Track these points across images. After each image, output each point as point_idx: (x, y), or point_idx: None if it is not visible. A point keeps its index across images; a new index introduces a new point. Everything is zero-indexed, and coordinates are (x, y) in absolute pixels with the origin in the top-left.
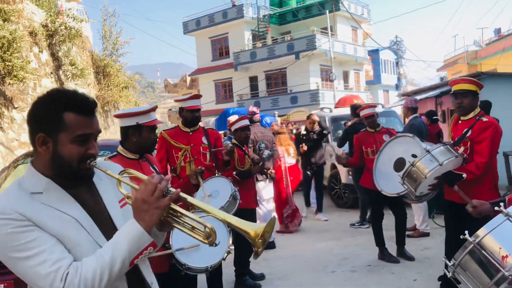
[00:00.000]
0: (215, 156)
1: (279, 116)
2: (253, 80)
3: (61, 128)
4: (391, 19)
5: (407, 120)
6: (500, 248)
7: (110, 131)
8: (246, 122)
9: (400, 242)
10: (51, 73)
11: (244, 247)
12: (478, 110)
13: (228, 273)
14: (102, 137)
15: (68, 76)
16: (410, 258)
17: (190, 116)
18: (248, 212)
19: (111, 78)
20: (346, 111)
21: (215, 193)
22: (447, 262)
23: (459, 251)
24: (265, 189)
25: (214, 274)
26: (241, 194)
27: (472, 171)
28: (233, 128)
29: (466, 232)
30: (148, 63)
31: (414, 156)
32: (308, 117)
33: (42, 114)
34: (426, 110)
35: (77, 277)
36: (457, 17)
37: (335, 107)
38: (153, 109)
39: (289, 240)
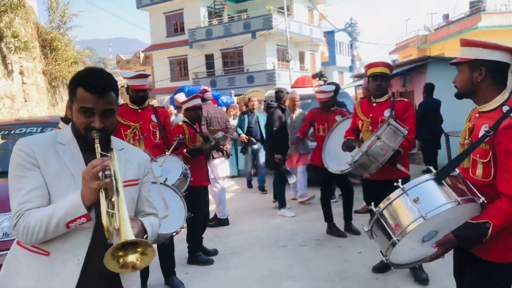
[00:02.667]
0: (165, 134)
1: (235, 95)
2: (209, 58)
3: (75, 99)
4: (347, 1)
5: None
6: (394, 218)
7: (58, 108)
8: (198, 101)
9: (348, 218)
10: None
11: (196, 223)
12: (390, 93)
13: (182, 249)
14: (50, 114)
15: (11, 49)
16: (356, 232)
17: (134, 95)
18: (199, 189)
19: (59, 53)
20: (302, 91)
21: (166, 171)
22: (364, 228)
23: (369, 219)
24: (220, 167)
25: (167, 250)
26: (193, 172)
27: (406, 147)
28: (184, 107)
29: (372, 203)
30: (99, 37)
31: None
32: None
33: (69, 85)
34: None
35: (24, 221)
36: (410, 1)
37: (292, 87)
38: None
39: (243, 217)
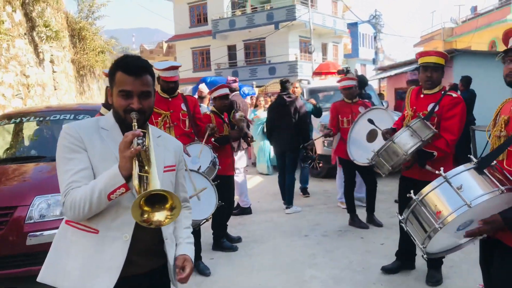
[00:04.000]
0: (194, 122)
1: (257, 86)
2: (232, 49)
3: (114, 83)
4: None
5: None
6: (436, 206)
7: (85, 96)
8: (226, 90)
9: (370, 209)
10: (25, 34)
11: (221, 211)
12: (442, 85)
13: (206, 237)
14: (78, 102)
15: (43, 38)
16: (379, 224)
17: (165, 86)
18: (225, 178)
19: (87, 42)
20: (324, 83)
21: (195, 159)
22: (399, 216)
23: (406, 207)
24: (240, 160)
25: (194, 236)
26: (219, 161)
27: (442, 149)
28: (212, 96)
29: (412, 191)
30: (122, 27)
31: (370, 121)
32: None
33: (109, 71)
34: (401, 85)
35: (71, 197)
36: None
37: (313, 75)
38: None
39: (264, 207)
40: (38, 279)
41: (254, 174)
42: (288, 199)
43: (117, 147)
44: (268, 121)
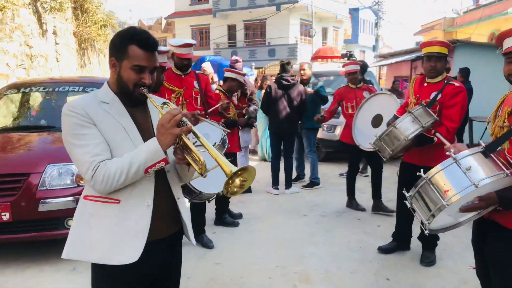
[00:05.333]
0: (206, 100)
1: (256, 68)
2: (232, 29)
3: (126, 57)
4: None
5: None
6: (444, 184)
7: (86, 69)
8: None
9: (377, 195)
10: (29, 4)
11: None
12: (445, 74)
13: (209, 212)
14: (79, 75)
15: (46, 9)
16: (391, 211)
17: (179, 62)
18: (231, 155)
19: (90, 15)
20: (325, 67)
21: (205, 136)
22: (406, 193)
23: (414, 185)
24: (242, 137)
25: (199, 210)
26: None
27: (443, 136)
28: (226, 75)
29: (422, 170)
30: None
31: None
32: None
33: (117, 43)
34: (401, 73)
35: (103, 170)
36: None
37: (312, 59)
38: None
39: (264, 187)
40: (63, 256)
41: (254, 156)
42: (287, 180)
43: (122, 118)
44: (265, 102)
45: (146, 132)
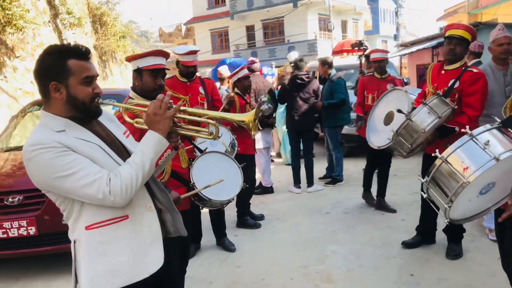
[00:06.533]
0: (213, 106)
1: (276, 67)
2: (250, 30)
3: (69, 74)
4: None
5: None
6: (462, 162)
7: (108, 81)
8: (246, 71)
9: (381, 193)
10: (49, 21)
11: (244, 188)
12: (464, 60)
13: (230, 215)
14: (101, 87)
15: (66, 25)
16: (392, 210)
17: (184, 70)
18: (247, 158)
19: (108, 27)
20: (344, 61)
21: (214, 142)
22: (421, 179)
23: (431, 168)
24: (259, 139)
25: (218, 214)
26: (240, 141)
27: (465, 125)
28: (235, 77)
29: (437, 150)
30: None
31: (399, 111)
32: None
33: (49, 65)
34: (423, 62)
35: (118, 180)
36: None
37: (333, 54)
38: (154, 52)
39: (286, 186)
40: None
41: (275, 157)
42: (308, 179)
43: (88, 137)
44: (281, 94)
45: (112, 143)
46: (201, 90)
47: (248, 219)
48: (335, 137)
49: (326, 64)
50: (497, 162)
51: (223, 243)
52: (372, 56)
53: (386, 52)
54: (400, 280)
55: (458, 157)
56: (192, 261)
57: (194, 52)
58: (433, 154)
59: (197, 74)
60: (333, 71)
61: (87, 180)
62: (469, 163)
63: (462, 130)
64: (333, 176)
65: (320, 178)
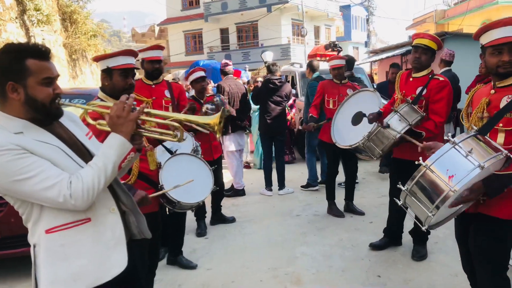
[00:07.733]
0: (178, 110)
1: (249, 70)
2: (224, 32)
3: (27, 74)
4: None
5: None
6: (448, 170)
7: (78, 80)
8: (201, 73)
9: (349, 197)
10: (16, 18)
11: (216, 193)
12: (430, 68)
13: (191, 219)
14: (71, 86)
15: (34, 22)
16: (360, 213)
17: (150, 67)
18: (213, 163)
19: (79, 26)
20: (322, 65)
21: (176, 147)
22: (402, 187)
23: (412, 177)
24: (232, 144)
25: (177, 231)
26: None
27: (431, 130)
28: (189, 81)
29: (420, 158)
30: (113, 10)
31: (363, 115)
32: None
33: (6, 64)
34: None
35: (79, 183)
36: None
37: (309, 57)
38: (124, 52)
39: (258, 189)
40: None
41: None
42: (280, 181)
43: (47, 139)
44: (254, 95)
45: (73, 145)
46: (167, 93)
47: (222, 214)
48: (311, 141)
49: (308, 66)
50: (482, 170)
51: (180, 261)
52: (331, 63)
53: (343, 58)
54: (368, 281)
55: (442, 166)
56: (161, 264)
57: (158, 47)
58: (416, 162)
59: (170, 75)
60: (315, 74)
61: (47, 183)
62: (454, 171)
63: (445, 137)
64: (308, 181)
65: (301, 187)
